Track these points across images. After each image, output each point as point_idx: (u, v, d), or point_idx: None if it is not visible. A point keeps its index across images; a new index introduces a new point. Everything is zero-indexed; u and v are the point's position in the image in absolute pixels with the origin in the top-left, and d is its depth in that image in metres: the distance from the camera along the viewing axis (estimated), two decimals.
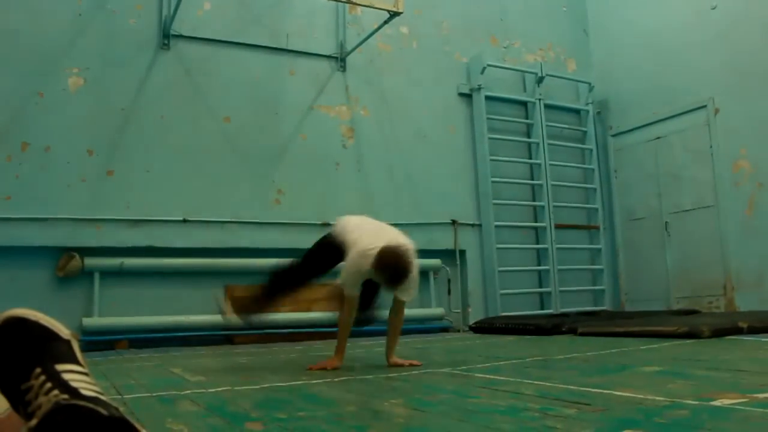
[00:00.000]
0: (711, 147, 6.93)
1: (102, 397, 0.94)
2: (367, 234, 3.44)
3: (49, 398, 0.92)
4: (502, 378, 2.72)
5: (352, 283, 3.36)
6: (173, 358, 4.36)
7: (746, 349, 3.70)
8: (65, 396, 0.92)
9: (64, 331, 1.09)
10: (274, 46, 6.57)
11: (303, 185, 6.38)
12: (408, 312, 6.65)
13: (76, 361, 1.04)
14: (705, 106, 6.99)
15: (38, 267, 5.37)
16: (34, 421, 0.88)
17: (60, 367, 1.00)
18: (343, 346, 3.42)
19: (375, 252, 3.25)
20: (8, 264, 5.22)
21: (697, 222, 7.06)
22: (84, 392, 0.94)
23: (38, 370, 0.99)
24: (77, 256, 5.45)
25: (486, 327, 6.33)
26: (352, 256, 3.35)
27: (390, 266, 3.23)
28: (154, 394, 2.53)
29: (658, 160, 7.57)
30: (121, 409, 0.94)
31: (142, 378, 3.14)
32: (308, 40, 6.76)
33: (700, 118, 7.06)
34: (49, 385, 0.95)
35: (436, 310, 6.88)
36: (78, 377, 0.99)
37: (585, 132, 8.21)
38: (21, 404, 0.99)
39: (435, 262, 6.95)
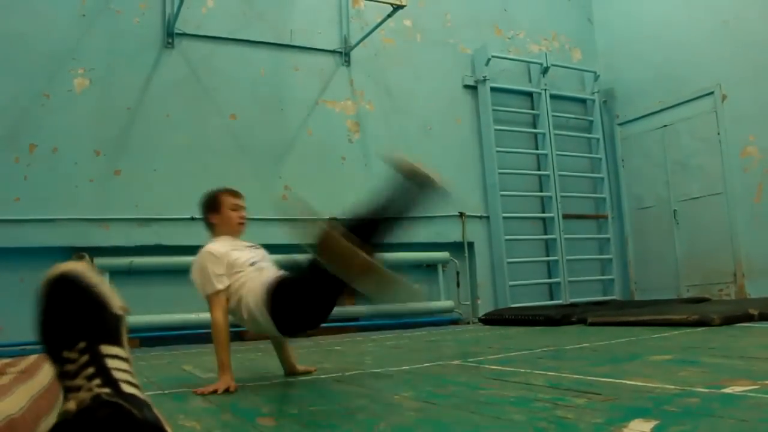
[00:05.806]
0: (719, 134, 6.89)
1: (138, 394, 0.92)
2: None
3: (90, 387, 0.90)
4: (512, 369, 2.72)
5: (216, 276, 2.75)
6: (184, 356, 4.39)
7: (757, 336, 3.68)
8: (107, 390, 0.90)
9: (116, 303, 1.03)
10: (278, 42, 6.56)
11: (310, 180, 6.37)
12: (418, 305, 6.74)
13: (120, 343, 1.00)
14: (712, 93, 6.94)
15: (48, 268, 5.37)
16: (72, 406, 0.87)
17: (105, 349, 0.97)
18: (228, 359, 2.60)
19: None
20: (18, 265, 5.24)
21: (706, 210, 7.02)
22: (124, 387, 0.92)
23: (82, 344, 0.96)
24: (87, 256, 5.47)
25: (496, 318, 6.32)
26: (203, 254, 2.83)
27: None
28: (166, 392, 2.54)
29: (665, 148, 7.53)
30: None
31: (153, 376, 3.16)
32: (312, 35, 6.75)
33: (708, 105, 7.01)
34: (91, 370, 0.93)
35: (446, 303, 6.88)
36: (121, 365, 0.96)
37: (591, 121, 8.17)
38: (60, 372, 0.96)
39: (443, 254, 6.94)
